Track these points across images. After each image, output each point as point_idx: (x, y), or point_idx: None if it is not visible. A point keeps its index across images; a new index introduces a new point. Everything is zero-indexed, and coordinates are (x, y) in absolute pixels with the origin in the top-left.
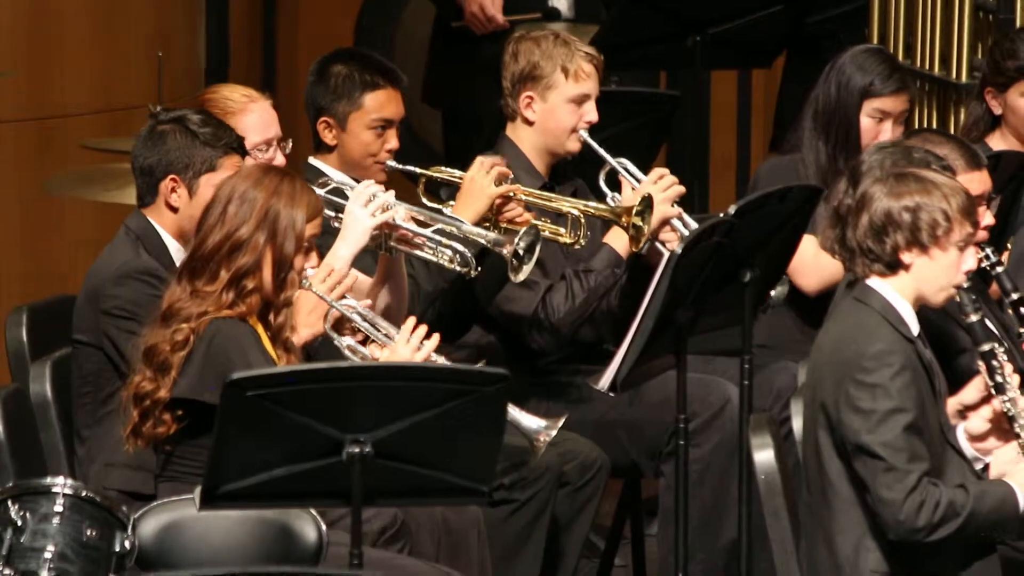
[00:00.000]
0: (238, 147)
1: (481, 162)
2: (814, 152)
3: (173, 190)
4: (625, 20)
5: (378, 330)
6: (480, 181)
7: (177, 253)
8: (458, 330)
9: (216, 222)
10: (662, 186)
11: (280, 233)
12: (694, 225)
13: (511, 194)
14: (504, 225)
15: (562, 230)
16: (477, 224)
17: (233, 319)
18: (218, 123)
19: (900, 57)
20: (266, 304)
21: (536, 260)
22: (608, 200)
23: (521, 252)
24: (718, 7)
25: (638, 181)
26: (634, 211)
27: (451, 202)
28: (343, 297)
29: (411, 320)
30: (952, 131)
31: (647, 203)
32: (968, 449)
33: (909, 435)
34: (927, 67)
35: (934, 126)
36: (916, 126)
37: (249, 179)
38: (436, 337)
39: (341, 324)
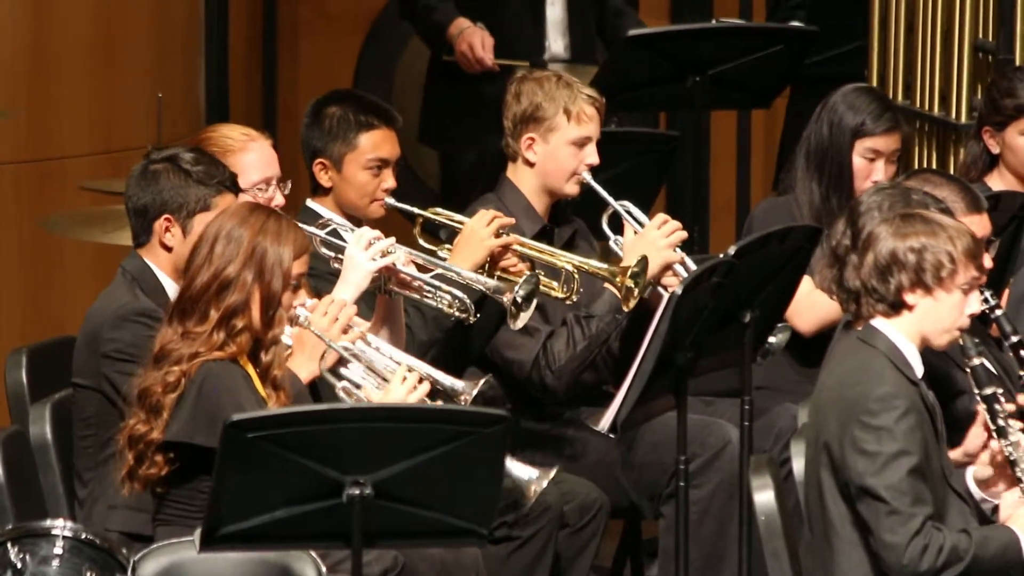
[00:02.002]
0: (231, 185)
1: (483, 214)
2: (807, 192)
3: (167, 230)
4: (624, 61)
5: (374, 370)
6: (480, 232)
7: (174, 292)
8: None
9: (203, 262)
10: (665, 231)
11: (267, 270)
12: (694, 267)
13: (509, 245)
14: (498, 274)
15: (555, 284)
16: (473, 271)
17: (224, 361)
18: (210, 160)
19: (899, 97)
20: (256, 343)
21: (536, 307)
22: (611, 243)
23: (520, 300)
24: (717, 48)
25: (640, 224)
26: (629, 272)
27: (447, 246)
28: (347, 330)
29: (404, 366)
30: (951, 171)
31: (643, 265)
32: (977, 492)
33: (913, 478)
34: (926, 107)
35: (933, 166)
36: (915, 166)
37: (235, 218)
38: (427, 383)
39: (342, 363)
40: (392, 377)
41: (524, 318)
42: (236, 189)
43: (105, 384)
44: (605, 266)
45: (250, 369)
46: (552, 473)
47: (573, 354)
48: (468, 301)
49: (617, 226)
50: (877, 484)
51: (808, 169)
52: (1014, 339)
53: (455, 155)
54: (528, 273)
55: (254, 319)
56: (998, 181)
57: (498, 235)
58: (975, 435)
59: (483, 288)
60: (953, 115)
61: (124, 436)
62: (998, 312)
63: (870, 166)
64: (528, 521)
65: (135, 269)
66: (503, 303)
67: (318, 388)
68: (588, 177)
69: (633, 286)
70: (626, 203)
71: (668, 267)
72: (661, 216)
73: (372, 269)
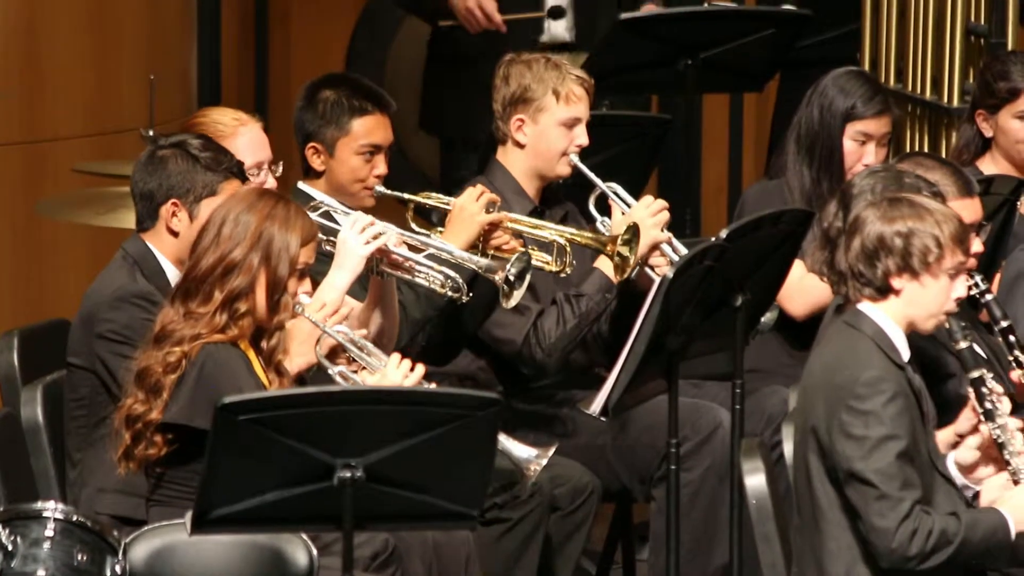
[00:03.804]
0: (238, 172)
1: (471, 191)
2: (798, 176)
3: (174, 214)
4: (616, 44)
5: (369, 357)
6: (470, 208)
7: (174, 278)
8: (447, 355)
9: (210, 244)
10: (651, 211)
11: (274, 256)
12: (684, 251)
13: (500, 222)
14: (491, 252)
15: (548, 258)
16: (466, 250)
17: (225, 344)
18: (218, 148)
19: (892, 81)
20: (258, 328)
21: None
22: (598, 224)
23: (512, 278)
24: (709, 31)
25: (628, 206)
26: (620, 240)
27: (440, 228)
28: (340, 323)
29: (397, 355)
30: (943, 155)
31: (633, 232)
32: (958, 477)
33: (902, 463)
34: (919, 91)
35: (925, 150)
36: (908, 150)
37: (243, 202)
38: (422, 367)
39: (335, 354)
40: (387, 363)
41: (517, 296)
42: (243, 176)
43: (98, 365)
44: (596, 235)
45: (251, 354)
46: (551, 451)
47: (563, 332)
48: (460, 280)
49: (604, 208)
50: (865, 468)
51: (799, 153)
52: (1003, 324)
53: (456, 140)
54: (520, 251)
55: (258, 304)
56: (990, 165)
57: (488, 211)
58: (965, 417)
59: (475, 267)
60: (945, 99)
61: (120, 415)
62: (988, 297)
63: (861, 149)
64: (518, 503)
65: (137, 252)
66: (495, 282)
67: (306, 381)
68: (575, 159)
69: (627, 253)
70: (613, 184)
71: (656, 247)
72: (648, 197)
73: (365, 253)
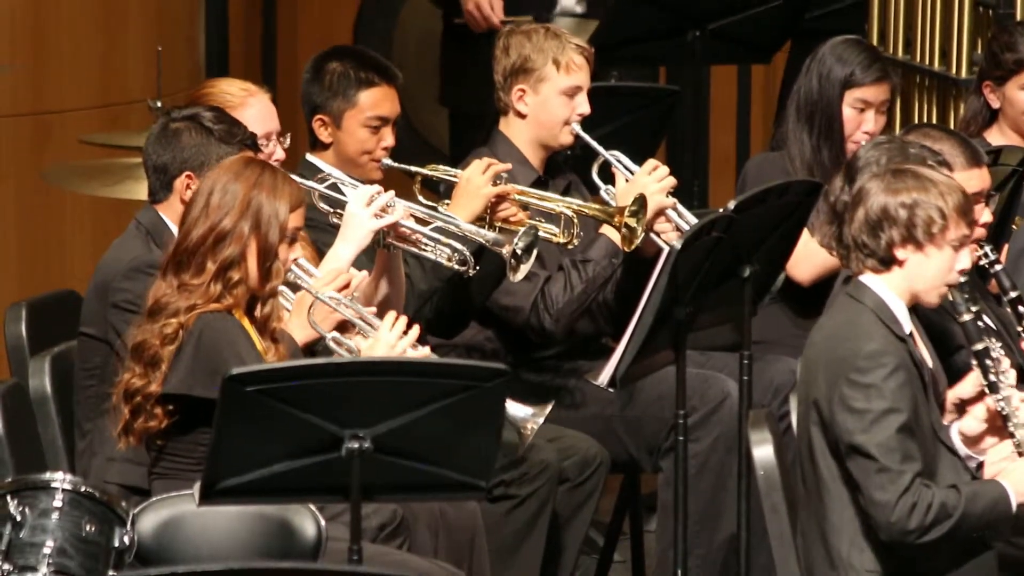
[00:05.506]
0: (252, 144)
1: (478, 163)
2: (798, 145)
3: (188, 187)
4: (625, 15)
5: (367, 325)
6: (476, 180)
7: None
8: (456, 327)
9: (199, 215)
10: (655, 177)
11: (263, 223)
12: (689, 215)
13: (506, 193)
14: (499, 224)
15: (556, 229)
16: (473, 223)
17: (220, 313)
18: (231, 120)
19: (900, 52)
20: (252, 297)
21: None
22: (602, 192)
23: (520, 252)
24: (717, 2)
25: (631, 173)
26: (627, 211)
27: (447, 201)
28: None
29: (392, 312)
30: (952, 126)
31: (640, 203)
32: (962, 448)
33: (902, 436)
34: (927, 62)
35: (933, 121)
36: (916, 121)
37: (230, 172)
38: (416, 327)
39: (342, 328)
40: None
41: (524, 270)
42: (256, 148)
43: (111, 334)
44: (603, 207)
45: (246, 322)
46: (547, 409)
47: (571, 297)
48: (467, 253)
49: (607, 176)
50: (866, 442)
51: (799, 121)
52: (1013, 294)
53: (469, 115)
54: (528, 224)
55: (251, 272)
56: (998, 136)
57: (495, 183)
58: (970, 380)
59: (482, 240)
60: (953, 70)
61: (119, 391)
62: (998, 267)
63: (860, 117)
64: (526, 480)
65: (150, 223)
66: (503, 255)
67: (316, 354)
68: (577, 128)
69: (635, 224)
70: (615, 152)
71: (661, 212)
72: (651, 162)
73: (373, 227)
